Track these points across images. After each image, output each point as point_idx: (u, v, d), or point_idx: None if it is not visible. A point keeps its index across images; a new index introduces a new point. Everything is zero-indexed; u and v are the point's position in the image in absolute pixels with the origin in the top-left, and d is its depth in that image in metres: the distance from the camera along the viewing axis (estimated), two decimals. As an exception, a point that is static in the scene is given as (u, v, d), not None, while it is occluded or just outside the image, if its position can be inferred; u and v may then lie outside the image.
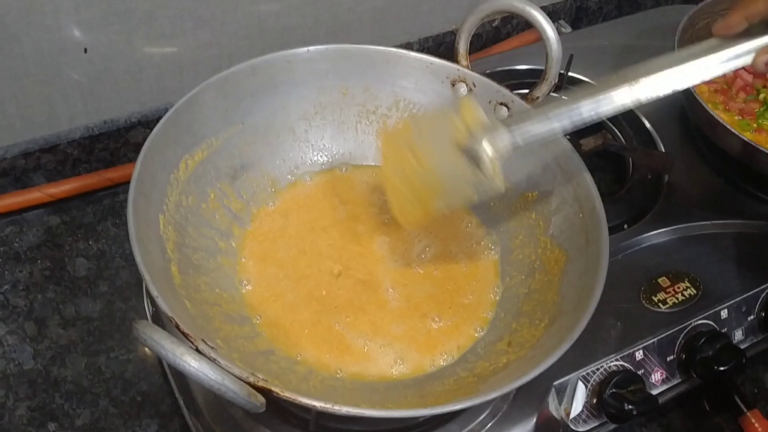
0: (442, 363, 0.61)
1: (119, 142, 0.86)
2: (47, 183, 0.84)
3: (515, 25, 1.06)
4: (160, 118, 0.62)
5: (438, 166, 0.59)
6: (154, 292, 0.50)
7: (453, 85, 0.72)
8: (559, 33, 1.05)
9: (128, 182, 0.57)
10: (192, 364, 0.43)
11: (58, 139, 0.83)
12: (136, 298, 0.77)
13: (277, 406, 0.61)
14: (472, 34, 0.71)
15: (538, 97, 0.70)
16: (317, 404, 0.48)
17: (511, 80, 0.90)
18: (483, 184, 0.59)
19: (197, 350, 0.47)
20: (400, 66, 0.72)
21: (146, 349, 0.74)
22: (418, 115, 0.69)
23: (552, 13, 1.08)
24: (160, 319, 0.68)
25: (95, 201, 0.85)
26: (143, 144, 0.60)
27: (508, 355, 0.58)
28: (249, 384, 0.47)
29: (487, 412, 0.63)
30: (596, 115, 0.58)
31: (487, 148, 0.57)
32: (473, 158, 0.58)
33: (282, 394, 0.47)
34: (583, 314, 0.54)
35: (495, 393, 0.51)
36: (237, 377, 0.47)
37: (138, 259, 0.52)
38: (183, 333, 0.49)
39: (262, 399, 0.47)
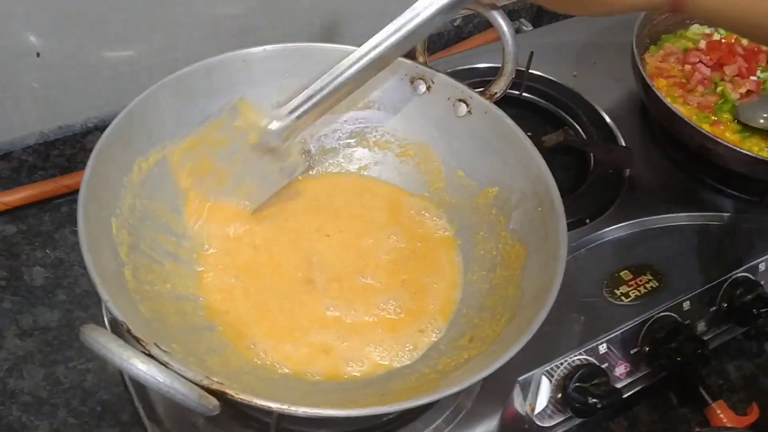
0: (403, 360, 0.61)
1: (75, 148, 0.85)
2: (2, 191, 0.82)
3: (477, 24, 1.06)
4: (117, 122, 0.61)
5: (244, 173, 0.67)
6: (104, 296, 0.49)
7: (411, 82, 0.72)
8: (520, 31, 1.07)
9: (85, 188, 0.56)
10: (140, 367, 0.42)
11: (12, 145, 0.81)
12: (96, 306, 0.76)
13: (237, 411, 0.60)
14: (429, 31, 0.71)
15: (495, 93, 0.69)
16: (274, 406, 0.47)
17: (473, 78, 0.90)
18: (286, 167, 0.69)
19: (149, 354, 0.46)
20: (358, 64, 0.71)
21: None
22: (197, 131, 0.69)
23: (513, 12, 1.08)
24: (118, 326, 0.67)
25: (52, 209, 0.83)
26: (99, 148, 0.59)
27: (469, 350, 0.58)
28: (203, 387, 0.46)
29: (451, 409, 0.63)
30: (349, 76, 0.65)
31: (274, 137, 0.67)
32: (268, 150, 0.68)
33: (237, 396, 0.46)
34: (541, 307, 0.53)
35: (455, 388, 0.50)
36: (190, 380, 0.46)
37: (88, 262, 0.51)
38: (134, 337, 0.48)
39: (214, 401, 0.46)
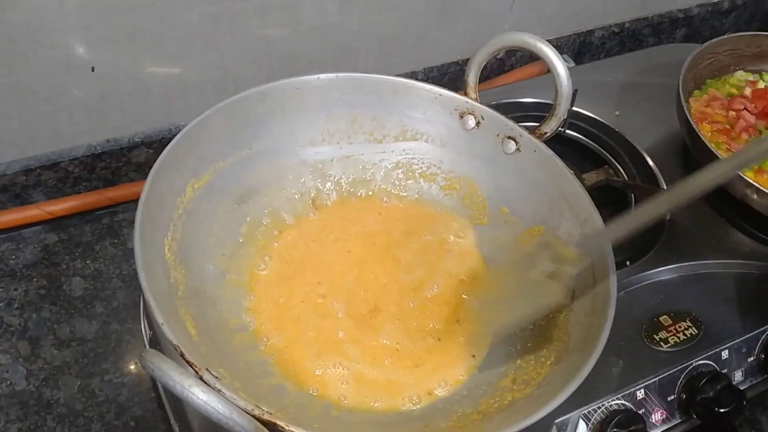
0: (445, 395, 0.61)
1: (121, 161, 0.86)
2: (47, 200, 0.83)
3: (519, 57, 1.06)
4: (163, 138, 0.62)
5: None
6: (160, 320, 0.49)
7: (461, 117, 0.72)
8: (563, 68, 1.07)
9: (128, 202, 0.57)
10: (200, 396, 0.43)
11: (60, 156, 0.82)
12: (133, 320, 0.76)
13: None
14: (482, 67, 0.72)
15: (546, 132, 0.70)
16: (322, 439, 0.47)
17: (516, 113, 0.90)
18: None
19: (202, 380, 0.46)
20: (408, 96, 0.72)
21: (141, 372, 0.73)
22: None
23: (556, 47, 1.07)
24: (158, 344, 0.67)
25: (94, 220, 0.84)
26: (145, 164, 0.60)
27: (513, 392, 0.58)
28: (254, 417, 0.46)
29: (488, 448, 0.63)
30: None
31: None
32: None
33: (287, 428, 0.46)
34: (591, 354, 0.53)
35: (502, 432, 0.50)
36: (242, 409, 0.46)
37: (144, 284, 0.51)
38: (187, 362, 0.48)
39: (268, 433, 0.46)
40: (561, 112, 0.68)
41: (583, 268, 0.61)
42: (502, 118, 0.71)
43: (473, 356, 0.64)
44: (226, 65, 0.84)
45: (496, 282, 0.68)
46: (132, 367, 0.73)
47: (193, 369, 0.48)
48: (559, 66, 0.65)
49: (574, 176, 0.66)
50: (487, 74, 1.05)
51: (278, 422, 0.47)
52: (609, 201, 0.87)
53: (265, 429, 0.45)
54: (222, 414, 0.43)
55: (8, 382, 0.70)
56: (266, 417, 0.47)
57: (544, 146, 0.68)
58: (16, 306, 0.76)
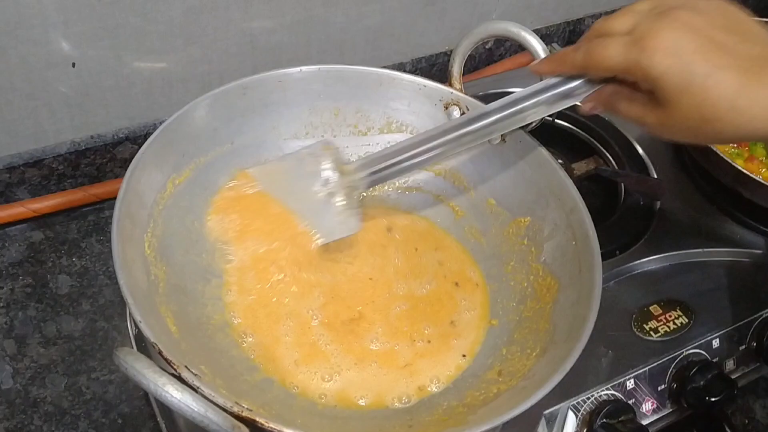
0: (430, 390, 0.60)
1: (106, 158, 0.85)
2: (31, 198, 0.83)
3: (508, 47, 1.05)
4: (148, 133, 0.61)
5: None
6: (138, 317, 0.49)
7: (446, 108, 0.71)
8: (553, 56, 1.06)
9: (114, 198, 0.56)
10: (174, 395, 0.42)
11: (44, 153, 0.81)
12: (119, 317, 0.76)
13: (262, 434, 0.60)
14: (466, 57, 0.71)
15: (531, 122, 0.69)
16: (304, 436, 0.46)
17: (504, 103, 0.89)
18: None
19: (179, 377, 0.46)
20: (393, 88, 0.71)
21: (128, 370, 0.72)
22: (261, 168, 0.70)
23: (545, 36, 1.08)
24: (143, 341, 0.67)
25: (80, 217, 0.84)
26: (130, 159, 0.59)
27: (498, 384, 0.57)
28: (232, 414, 0.46)
29: (475, 441, 0.62)
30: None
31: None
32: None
33: (267, 425, 0.46)
34: (575, 344, 0.53)
35: (486, 425, 0.49)
36: (221, 407, 0.45)
37: (122, 281, 0.51)
38: (165, 359, 0.48)
39: (246, 431, 0.45)
40: (546, 100, 0.67)
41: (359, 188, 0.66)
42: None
43: (464, 356, 0.63)
44: (209, 59, 0.83)
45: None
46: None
47: (172, 367, 0.47)
48: (543, 54, 0.64)
49: (559, 166, 0.66)
50: (475, 65, 1.04)
51: (258, 419, 0.46)
52: (599, 190, 0.87)
53: (243, 426, 0.45)
54: (197, 412, 0.43)
55: (-6, 381, 0.70)
56: (246, 414, 0.46)
57: (529, 137, 0.68)
58: (1, 305, 0.76)
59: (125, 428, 0.69)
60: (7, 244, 0.80)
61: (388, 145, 0.70)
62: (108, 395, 0.71)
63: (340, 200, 0.66)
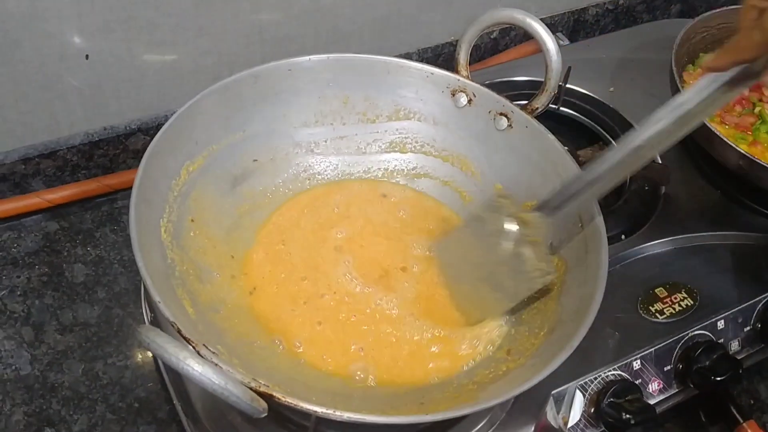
0: (442, 371, 0.61)
1: (119, 149, 0.86)
2: (46, 189, 0.84)
3: (513, 36, 1.06)
4: (160, 125, 0.62)
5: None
6: (156, 297, 0.50)
7: (453, 95, 0.73)
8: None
9: (127, 189, 0.58)
10: (195, 368, 0.43)
11: (58, 144, 0.83)
12: (134, 304, 0.77)
13: (276, 412, 0.61)
14: (472, 45, 0.72)
15: (537, 108, 0.70)
16: (318, 410, 0.48)
17: (510, 91, 0.91)
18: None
19: (199, 355, 0.47)
20: (400, 76, 0.73)
21: (144, 355, 0.74)
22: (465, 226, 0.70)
23: (550, 26, 1.07)
24: (158, 325, 0.68)
25: (94, 207, 0.85)
26: (143, 150, 0.60)
27: (507, 363, 0.58)
28: (251, 389, 0.47)
29: (485, 420, 0.64)
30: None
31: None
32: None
33: (283, 399, 0.47)
34: (582, 323, 0.54)
35: (495, 401, 0.51)
36: (239, 382, 0.47)
37: (140, 264, 0.52)
38: (185, 338, 0.49)
39: (264, 404, 0.47)
40: (551, 86, 0.68)
41: (547, 232, 0.61)
42: (494, 95, 0.71)
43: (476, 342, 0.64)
44: (219, 51, 0.85)
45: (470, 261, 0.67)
46: (135, 350, 0.74)
47: (191, 345, 0.49)
48: (549, 40, 0.66)
49: (565, 151, 0.67)
50: (481, 54, 1.05)
51: (275, 394, 0.47)
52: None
53: (260, 399, 0.46)
54: (217, 384, 0.44)
55: (13, 367, 0.72)
56: (263, 389, 0.48)
57: (535, 122, 0.69)
58: (18, 293, 0.77)
59: (142, 412, 0.70)
60: (23, 235, 0.82)
61: (397, 132, 0.71)
62: (124, 380, 0.72)
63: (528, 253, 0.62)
